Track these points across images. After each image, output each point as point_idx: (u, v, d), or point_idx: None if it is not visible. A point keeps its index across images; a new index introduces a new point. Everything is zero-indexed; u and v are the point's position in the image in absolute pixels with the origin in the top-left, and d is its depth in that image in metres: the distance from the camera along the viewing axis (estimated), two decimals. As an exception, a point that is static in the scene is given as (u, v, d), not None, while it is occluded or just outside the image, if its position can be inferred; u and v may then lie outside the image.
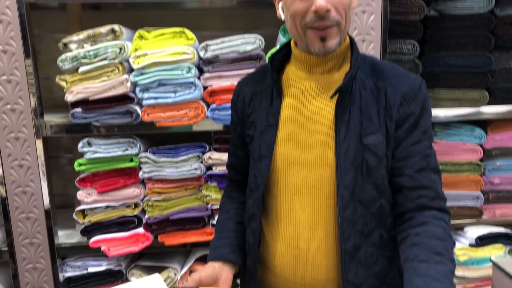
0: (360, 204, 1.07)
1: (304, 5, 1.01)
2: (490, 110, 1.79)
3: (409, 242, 1.02)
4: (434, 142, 1.79)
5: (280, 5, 1.11)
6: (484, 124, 1.85)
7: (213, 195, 1.72)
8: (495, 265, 0.98)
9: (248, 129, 1.21)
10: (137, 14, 1.97)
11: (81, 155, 1.67)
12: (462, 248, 1.84)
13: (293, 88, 1.15)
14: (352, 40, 1.15)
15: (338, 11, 1.01)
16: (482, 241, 1.83)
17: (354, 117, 1.07)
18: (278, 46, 1.66)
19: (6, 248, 1.69)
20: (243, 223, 1.27)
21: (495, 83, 1.78)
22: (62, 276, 1.75)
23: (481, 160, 1.84)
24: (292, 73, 1.16)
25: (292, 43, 1.17)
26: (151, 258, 1.85)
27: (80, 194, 1.68)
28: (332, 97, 1.09)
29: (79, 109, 1.61)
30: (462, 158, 1.82)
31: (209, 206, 1.73)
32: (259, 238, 1.19)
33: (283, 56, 1.19)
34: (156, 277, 1.14)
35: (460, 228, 1.92)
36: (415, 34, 1.72)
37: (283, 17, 1.10)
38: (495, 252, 1.85)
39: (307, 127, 1.11)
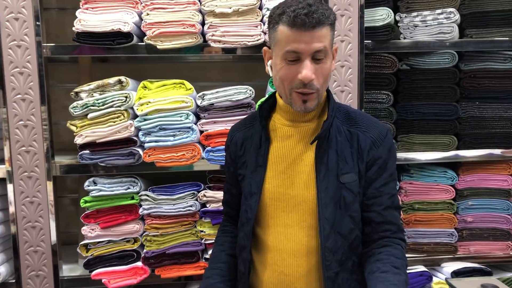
0: (340, 235, 1.23)
1: (292, 72, 1.20)
2: (463, 154, 1.97)
3: (373, 259, 1.20)
4: (410, 183, 1.99)
5: (269, 62, 1.30)
6: (455, 166, 2.02)
7: (207, 231, 1.86)
8: (449, 285, 1.14)
9: (240, 169, 1.39)
10: (141, 66, 2.19)
11: (85, 194, 1.83)
12: (438, 282, 1.97)
13: (279, 133, 1.33)
14: (329, 93, 1.34)
15: (318, 79, 1.21)
16: (458, 275, 1.96)
17: (332, 159, 1.25)
18: (267, 96, 1.86)
19: (13, 280, 1.81)
20: (235, 255, 1.42)
21: (464, 129, 1.98)
22: (64, 308, 1.86)
23: (454, 199, 2.01)
24: (278, 120, 1.35)
25: (277, 95, 1.36)
26: (148, 291, 1.97)
27: (84, 230, 1.83)
28: (312, 143, 1.27)
29: (87, 151, 1.78)
30: (436, 198, 1.99)
31: (203, 241, 1.87)
32: (249, 267, 1.33)
33: (270, 106, 1.38)
34: None
35: (437, 264, 2.05)
36: (388, 85, 1.93)
37: (271, 73, 1.29)
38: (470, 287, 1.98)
39: (291, 167, 1.29)
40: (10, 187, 1.75)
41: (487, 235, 2.03)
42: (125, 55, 1.80)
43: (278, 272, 1.28)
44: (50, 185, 1.78)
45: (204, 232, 1.86)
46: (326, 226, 1.22)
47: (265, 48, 1.32)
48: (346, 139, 1.27)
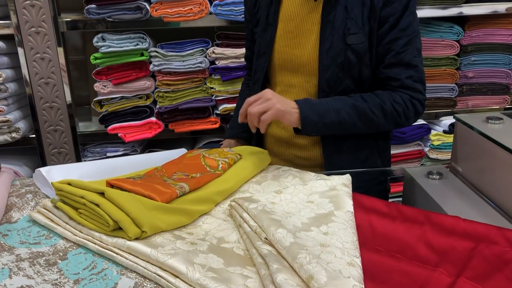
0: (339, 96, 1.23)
1: None
2: (468, 11, 1.96)
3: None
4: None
5: None
6: (462, 21, 2.03)
7: (217, 87, 1.91)
8: (457, 119, 1.20)
9: (255, 27, 1.36)
10: None
11: (94, 51, 1.83)
12: (436, 134, 2.09)
13: None
14: None
15: None
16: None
17: (339, 17, 1.18)
18: None
19: (33, 135, 1.89)
20: None
21: (474, -17, 1.94)
22: (83, 161, 1.97)
23: (458, 55, 2.04)
24: None
25: None
26: (162, 146, 2.07)
27: (97, 86, 1.86)
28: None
29: (93, 5, 1.74)
30: (441, 54, 2.02)
31: (213, 97, 1.93)
32: None
33: None
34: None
35: (436, 117, 2.15)
36: None
37: None
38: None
39: (300, 26, 1.25)
40: (19, 43, 1.75)
41: (485, 90, 2.11)
42: None
43: (281, 127, 1.34)
44: (58, 41, 1.77)
45: (214, 88, 1.91)
46: (325, 87, 1.22)
47: None
48: None
